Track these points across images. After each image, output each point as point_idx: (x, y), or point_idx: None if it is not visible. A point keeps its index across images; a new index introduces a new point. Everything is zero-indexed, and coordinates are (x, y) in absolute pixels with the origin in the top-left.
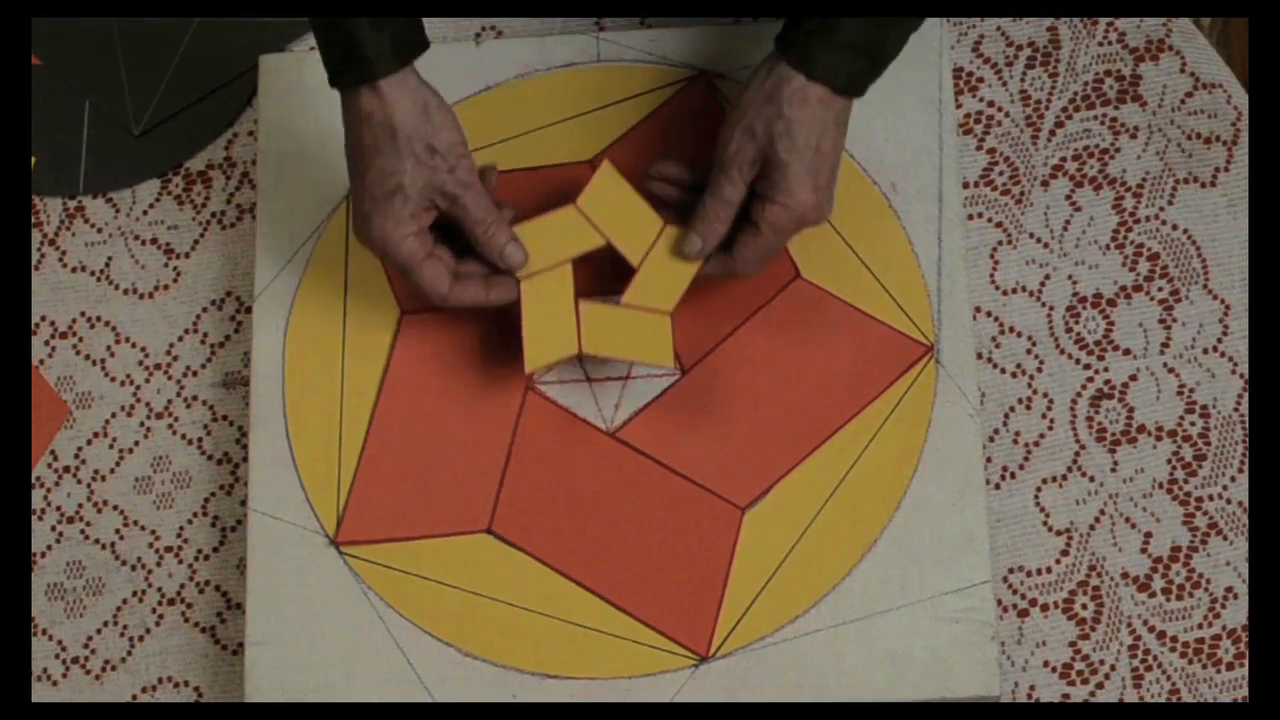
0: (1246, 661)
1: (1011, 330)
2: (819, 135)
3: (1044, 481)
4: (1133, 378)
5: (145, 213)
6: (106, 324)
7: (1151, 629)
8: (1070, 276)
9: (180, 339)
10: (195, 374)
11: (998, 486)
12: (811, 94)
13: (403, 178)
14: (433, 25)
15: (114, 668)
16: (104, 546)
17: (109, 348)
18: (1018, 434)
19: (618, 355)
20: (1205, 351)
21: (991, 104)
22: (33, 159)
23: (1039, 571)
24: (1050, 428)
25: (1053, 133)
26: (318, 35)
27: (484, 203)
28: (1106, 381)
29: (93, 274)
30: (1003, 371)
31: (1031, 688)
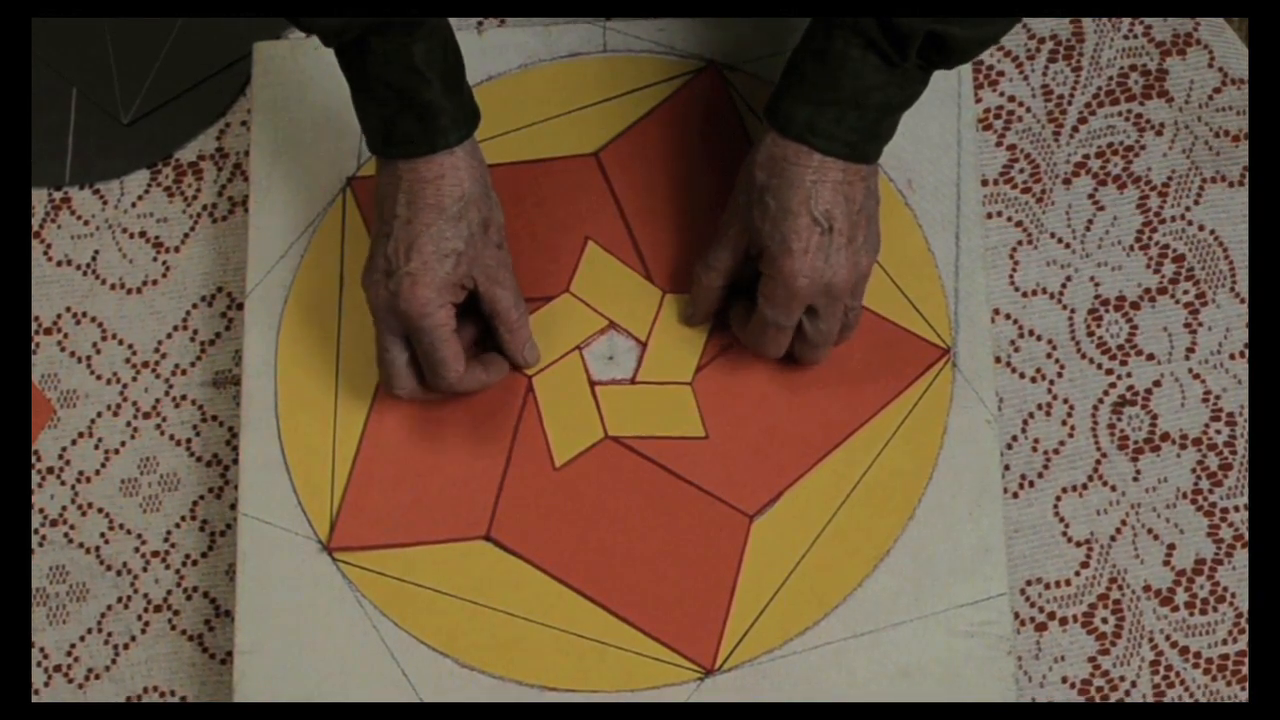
0: None
1: (1031, 333)
2: (794, 196)
3: (1064, 490)
4: (1156, 384)
5: (134, 205)
6: (92, 320)
7: (1174, 644)
8: (1092, 278)
9: (169, 336)
10: (184, 372)
11: (1015, 495)
12: (778, 153)
13: (460, 245)
14: None
15: (98, 676)
16: (88, 551)
17: (95, 344)
18: (1037, 441)
19: (646, 434)
20: (1232, 357)
21: (1012, 99)
22: None
23: (1058, 584)
24: (1070, 435)
25: (1075, 129)
26: (375, 104)
27: (518, 292)
28: (1129, 387)
29: (79, 268)
30: (1021, 376)
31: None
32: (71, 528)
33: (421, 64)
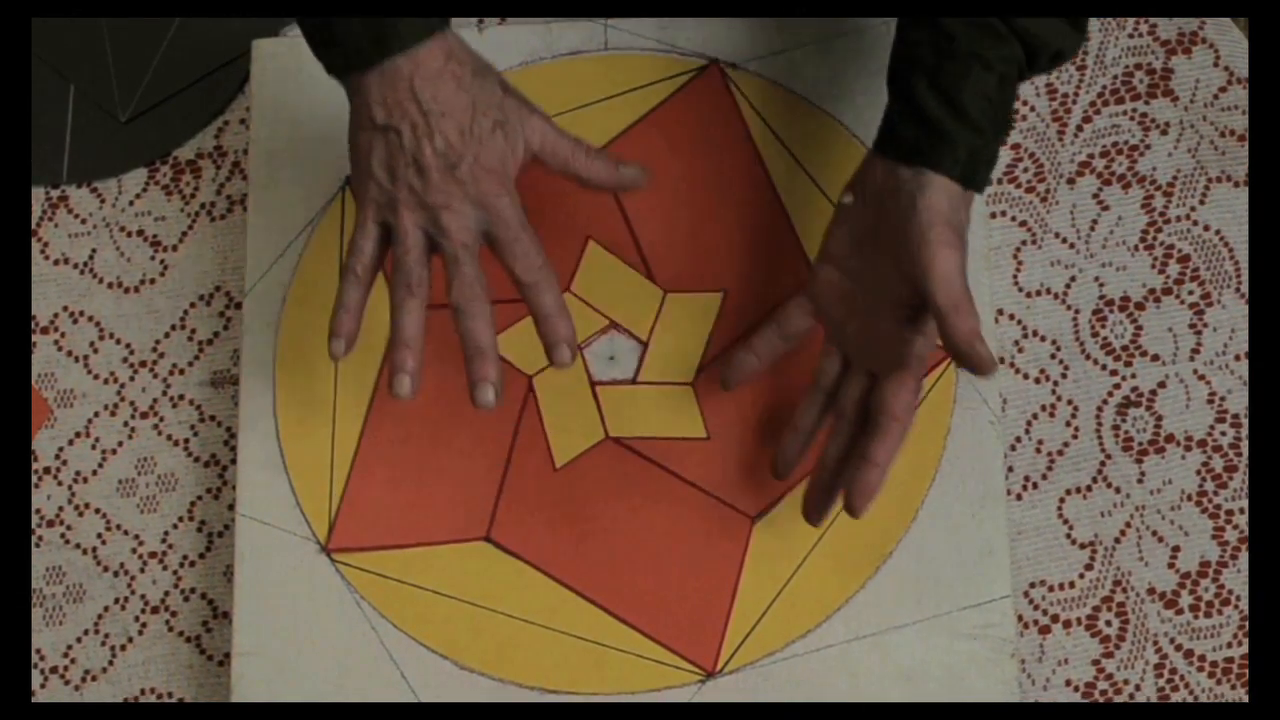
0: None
1: (1035, 334)
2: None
3: (1067, 492)
4: (1161, 385)
5: (131, 203)
6: (90, 319)
7: (1179, 647)
8: (1097, 278)
9: (167, 335)
10: (182, 372)
11: (1019, 497)
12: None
13: (506, 114)
14: None
15: (94, 678)
16: (85, 551)
17: (92, 344)
18: (1040, 443)
19: (647, 435)
20: (1237, 358)
21: (1016, 97)
22: None
23: (1061, 586)
24: (1074, 436)
25: (1080, 128)
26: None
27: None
28: (1134, 389)
29: (76, 267)
30: (1025, 377)
31: None
32: (68, 528)
33: None
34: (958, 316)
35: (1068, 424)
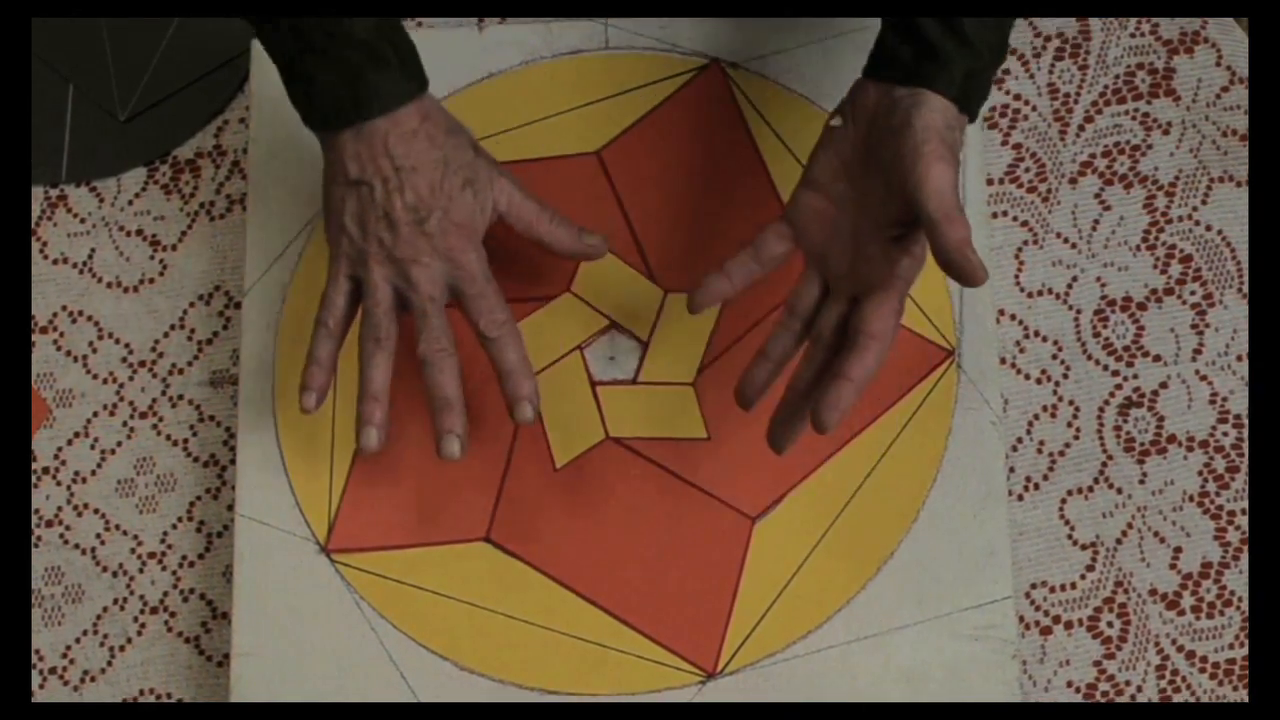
0: None
1: (1036, 334)
2: None
3: (1069, 493)
4: (1163, 385)
5: (130, 202)
6: (89, 319)
7: (1180, 648)
8: (1098, 279)
9: (166, 335)
10: (181, 372)
11: (1020, 498)
12: None
13: (476, 173)
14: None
15: (93, 679)
16: (84, 552)
17: (91, 343)
18: (1042, 443)
19: (647, 435)
20: (1239, 359)
21: (1018, 97)
22: None
23: (1063, 587)
24: (1076, 437)
25: (1081, 128)
26: (334, 67)
27: (536, 198)
28: (1135, 389)
29: (75, 266)
30: (1027, 378)
31: None
32: (67, 529)
33: (368, 25)
34: (949, 225)
35: (1069, 424)
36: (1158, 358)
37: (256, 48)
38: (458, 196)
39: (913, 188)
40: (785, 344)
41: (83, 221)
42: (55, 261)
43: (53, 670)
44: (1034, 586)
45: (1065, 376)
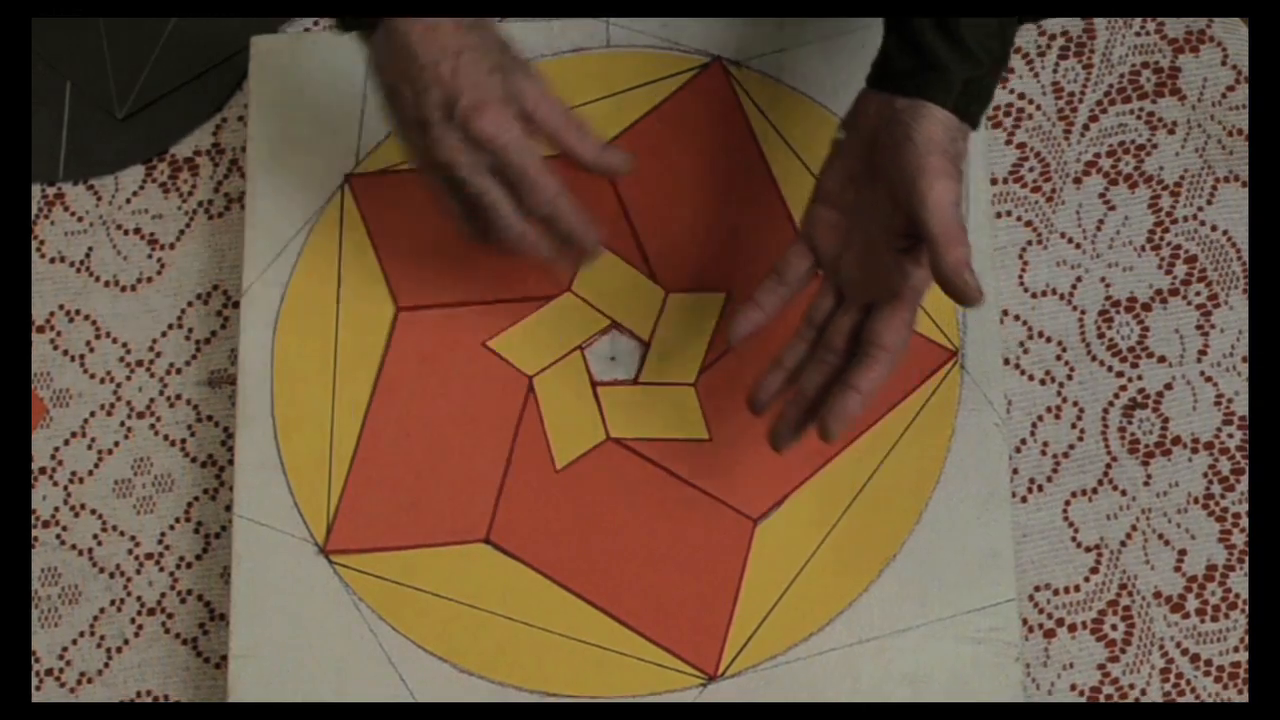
0: None
1: (1040, 335)
2: None
3: (1073, 495)
4: (1168, 386)
5: (128, 201)
6: (86, 318)
7: (1185, 651)
8: (1103, 279)
9: (164, 334)
10: (179, 371)
11: (1024, 500)
12: None
13: (505, 62)
14: None
15: (90, 680)
16: (81, 552)
17: (88, 343)
18: (1046, 444)
19: (648, 436)
20: (1244, 360)
21: (1022, 96)
22: None
23: (1067, 590)
24: (1080, 438)
25: (1086, 127)
26: None
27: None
28: (1140, 390)
29: (72, 265)
30: (1030, 379)
31: None
32: (64, 529)
33: None
34: (948, 245)
35: (1073, 426)
36: (1162, 359)
37: (255, 45)
38: (485, 80)
39: (915, 204)
40: (799, 351)
41: (80, 220)
42: (52, 260)
43: (49, 672)
44: (1038, 589)
45: (1069, 377)
